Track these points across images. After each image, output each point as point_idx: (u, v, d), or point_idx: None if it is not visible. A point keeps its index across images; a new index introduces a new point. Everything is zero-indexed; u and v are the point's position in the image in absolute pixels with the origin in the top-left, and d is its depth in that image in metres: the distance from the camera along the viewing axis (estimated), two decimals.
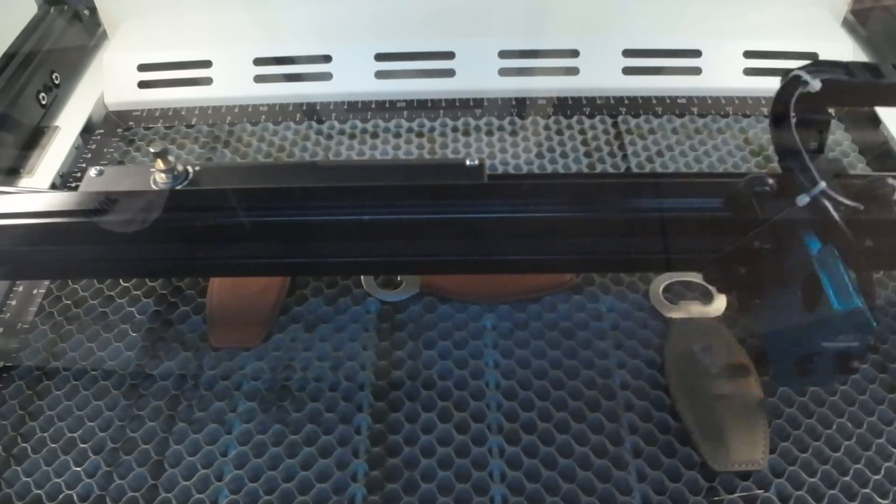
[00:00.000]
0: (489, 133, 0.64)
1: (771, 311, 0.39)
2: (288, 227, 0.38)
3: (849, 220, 0.35)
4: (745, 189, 0.38)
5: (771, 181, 0.37)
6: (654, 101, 0.66)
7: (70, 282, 0.52)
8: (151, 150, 0.42)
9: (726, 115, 0.65)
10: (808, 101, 0.36)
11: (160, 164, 0.42)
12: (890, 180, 0.37)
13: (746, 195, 0.38)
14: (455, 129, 0.65)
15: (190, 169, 0.43)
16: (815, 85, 0.35)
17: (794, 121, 0.36)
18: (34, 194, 0.44)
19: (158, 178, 0.43)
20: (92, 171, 0.44)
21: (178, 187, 0.43)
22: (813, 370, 0.37)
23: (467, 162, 0.44)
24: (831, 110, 0.65)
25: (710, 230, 0.40)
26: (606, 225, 0.40)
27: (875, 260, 0.38)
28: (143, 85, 0.67)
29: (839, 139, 0.63)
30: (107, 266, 0.41)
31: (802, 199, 0.35)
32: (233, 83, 0.67)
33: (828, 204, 0.35)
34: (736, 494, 0.40)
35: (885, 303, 0.50)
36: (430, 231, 0.39)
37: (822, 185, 0.34)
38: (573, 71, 0.67)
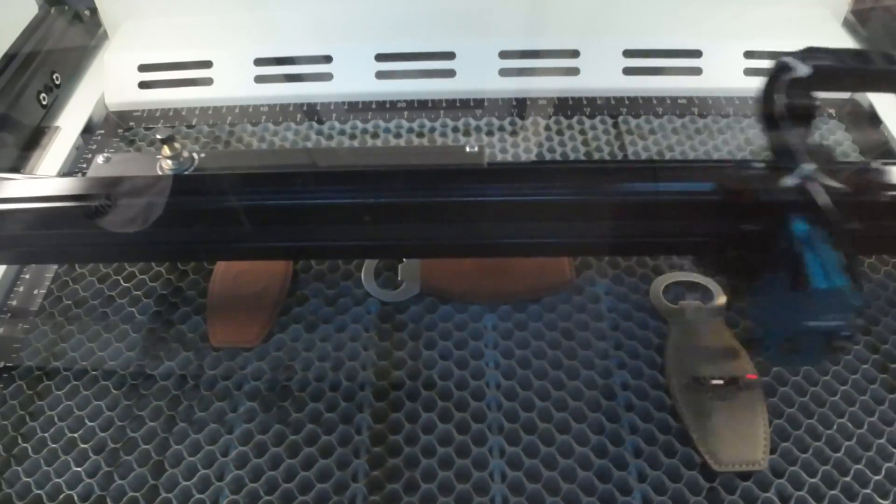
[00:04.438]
0: (490, 133, 0.64)
1: (760, 293, 0.39)
2: (291, 211, 0.38)
3: (836, 202, 0.35)
4: (735, 173, 0.38)
5: (760, 165, 0.38)
6: (655, 102, 0.66)
7: (70, 282, 0.53)
8: (158, 136, 0.42)
9: (727, 116, 0.65)
10: (798, 88, 0.37)
11: (166, 150, 0.42)
12: (876, 165, 0.37)
13: (736, 179, 0.38)
14: (455, 130, 0.65)
15: (195, 156, 0.44)
16: (805, 70, 0.36)
17: (783, 106, 0.36)
18: (42, 180, 0.44)
19: (165, 164, 0.43)
20: (99, 158, 0.44)
21: (185, 173, 0.43)
22: (800, 350, 0.37)
23: (467, 148, 0.44)
24: (831, 110, 0.66)
25: (702, 214, 0.40)
26: (603, 208, 0.40)
27: (862, 243, 0.38)
28: (143, 85, 0.67)
29: (840, 139, 0.63)
30: (113, 251, 0.41)
31: (789, 181, 0.36)
32: (233, 83, 0.67)
33: (814, 186, 0.35)
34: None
35: (885, 303, 0.50)
36: (431, 214, 0.39)
37: (809, 167, 0.35)
38: (573, 71, 0.67)
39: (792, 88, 0.37)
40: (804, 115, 0.38)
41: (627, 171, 0.43)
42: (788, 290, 0.36)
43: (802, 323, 0.35)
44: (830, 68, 0.37)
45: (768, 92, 0.37)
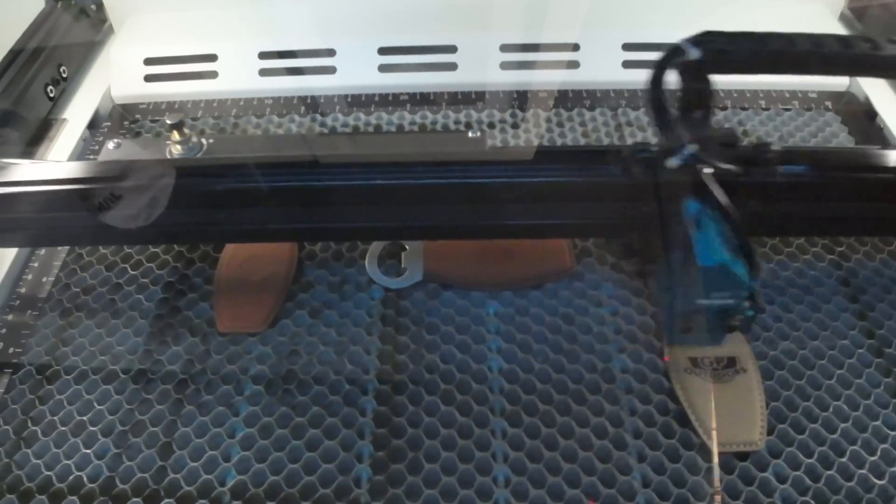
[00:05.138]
0: (491, 125, 0.65)
1: (660, 273, 0.40)
2: (298, 194, 0.39)
3: (728, 182, 0.36)
4: (629, 155, 0.39)
5: (654, 147, 0.38)
6: None
7: (78, 269, 0.53)
8: (167, 121, 0.43)
9: (724, 108, 0.66)
10: (689, 71, 0.37)
11: (175, 135, 0.43)
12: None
13: (631, 161, 0.39)
14: (457, 122, 0.65)
15: (204, 141, 0.44)
16: (694, 54, 0.36)
17: (668, 89, 0.37)
18: (55, 164, 0.45)
19: (174, 149, 0.43)
20: (110, 144, 0.45)
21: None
22: (695, 328, 0.38)
23: (469, 134, 0.45)
24: (828, 102, 0.66)
25: (602, 197, 0.41)
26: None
27: (758, 223, 0.39)
28: (149, 78, 0.68)
29: (836, 131, 0.63)
30: (124, 233, 0.41)
31: (672, 161, 0.36)
32: (238, 77, 0.68)
33: (698, 167, 0.36)
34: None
35: (881, 289, 0.51)
36: (434, 197, 0.40)
37: (691, 147, 0.35)
38: (574, 64, 0.67)
39: (684, 72, 0.37)
40: (696, 98, 0.38)
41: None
42: (681, 269, 0.37)
43: (693, 301, 0.36)
44: (722, 52, 0.37)
45: (656, 75, 0.37)
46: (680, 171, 0.36)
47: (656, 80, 0.37)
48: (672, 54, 0.37)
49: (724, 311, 0.37)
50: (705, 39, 0.37)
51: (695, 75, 0.37)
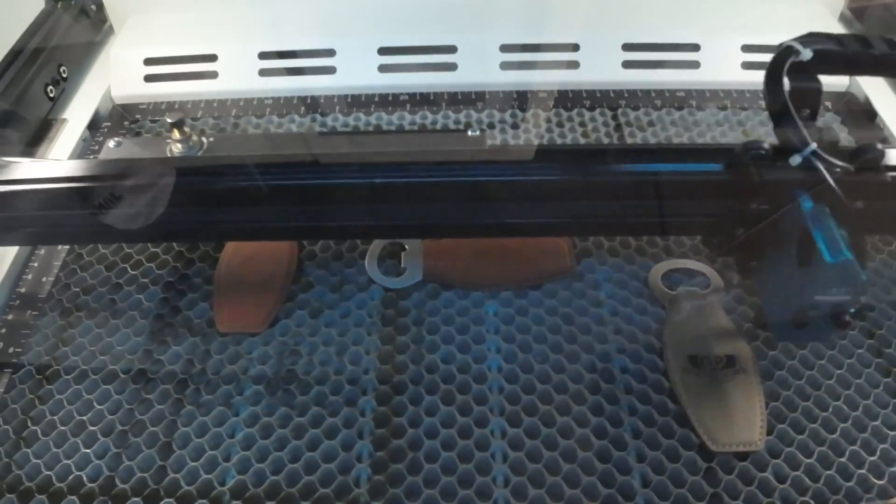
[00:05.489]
0: (491, 126, 0.65)
1: (768, 270, 0.40)
2: (298, 192, 0.39)
3: (839, 181, 0.37)
4: (742, 153, 0.39)
5: (767, 145, 0.39)
6: (654, 95, 0.67)
7: (78, 269, 0.53)
8: (168, 120, 0.43)
9: (724, 109, 0.66)
10: (801, 71, 0.38)
11: (176, 134, 0.43)
12: (879, 145, 0.39)
13: (743, 159, 0.39)
14: (457, 123, 0.65)
15: (204, 139, 0.44)
16: (807, 54, 0.37)
17: (786, 89, 0.38)
18: (54, 162, 0.45)
19: (174, 148, 0.44)
20: (110, 143, 0.45)
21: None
22: (809, 324, 0.38)
23: (469, 132, 0.45)
24: (827, 103, 0.66)
25: (711, 194, 0.41)
26: (612, 188, 0.41)
27: (865, 220, 0.40)
28: (149, 79, 0.68)
29: (836, 132, 0.63)
30: (123, 231, 0.41)
31: (795, 159, 0.37)
32: (238, 77, 0.68)
33: (819, 164, 0.37)
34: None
35: (881, 290, 0.51)
36: (434, 195, 0.40)
37: (813, 145, 0.36)
38: (574, 65, 0.67)
39: (794, 72, 0.38)
40: (807, 98, 0.39)
41: (633, 152, 0.44)
42: (797, 265, 0.37)
43: (811, 297, 0.37)
44: (831, 52, 0.38)
45: (772, 75, 0.38)
46: (796, 169, 0.37)
47: (771, 81, 0.38)
48: (785, 55, 0.37)
49: (836, 306, 0.37)
50: (812, 40, 0.38)
51: (804, 75, 0.38)
